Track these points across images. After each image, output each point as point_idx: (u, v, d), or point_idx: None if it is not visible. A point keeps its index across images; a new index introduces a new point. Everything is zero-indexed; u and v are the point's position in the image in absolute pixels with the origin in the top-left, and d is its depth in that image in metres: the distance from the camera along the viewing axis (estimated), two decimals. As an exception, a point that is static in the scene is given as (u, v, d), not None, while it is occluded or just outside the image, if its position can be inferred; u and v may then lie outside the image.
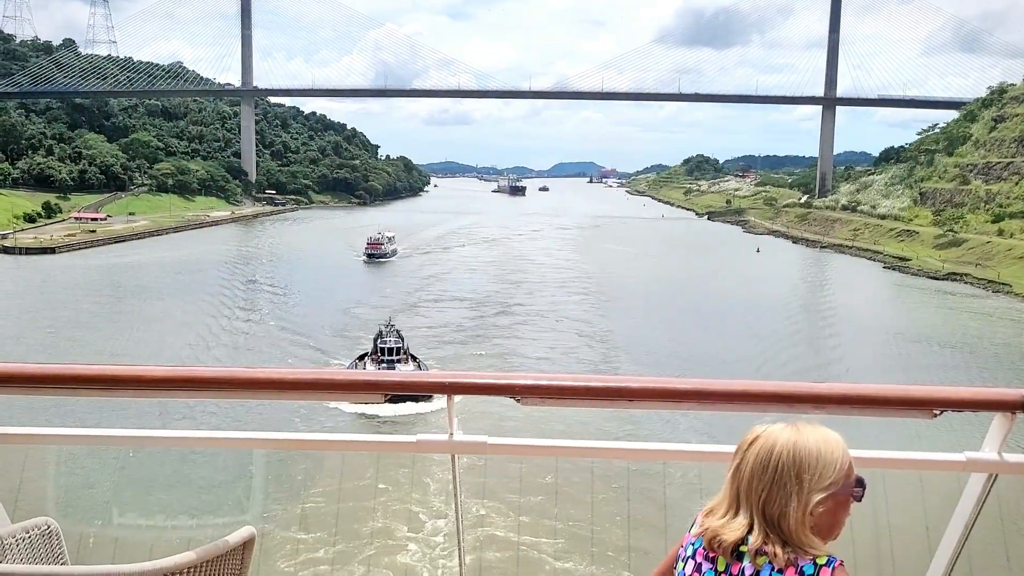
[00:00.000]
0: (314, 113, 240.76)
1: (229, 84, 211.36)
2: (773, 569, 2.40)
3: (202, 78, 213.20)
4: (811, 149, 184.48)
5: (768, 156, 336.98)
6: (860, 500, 2.51)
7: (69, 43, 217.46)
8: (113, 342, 56.87)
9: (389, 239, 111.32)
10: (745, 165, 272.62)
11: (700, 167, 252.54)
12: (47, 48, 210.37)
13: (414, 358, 51.62)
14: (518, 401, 3.55)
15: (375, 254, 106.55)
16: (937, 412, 3.47)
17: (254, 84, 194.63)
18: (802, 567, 2.38)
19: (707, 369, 51.48)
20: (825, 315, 72.74)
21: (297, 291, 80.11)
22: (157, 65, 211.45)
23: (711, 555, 2.54)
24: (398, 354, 51.16)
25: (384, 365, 48.85)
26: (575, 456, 3.95)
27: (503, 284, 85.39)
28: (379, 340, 52.45)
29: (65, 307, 68.35)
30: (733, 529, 2.46)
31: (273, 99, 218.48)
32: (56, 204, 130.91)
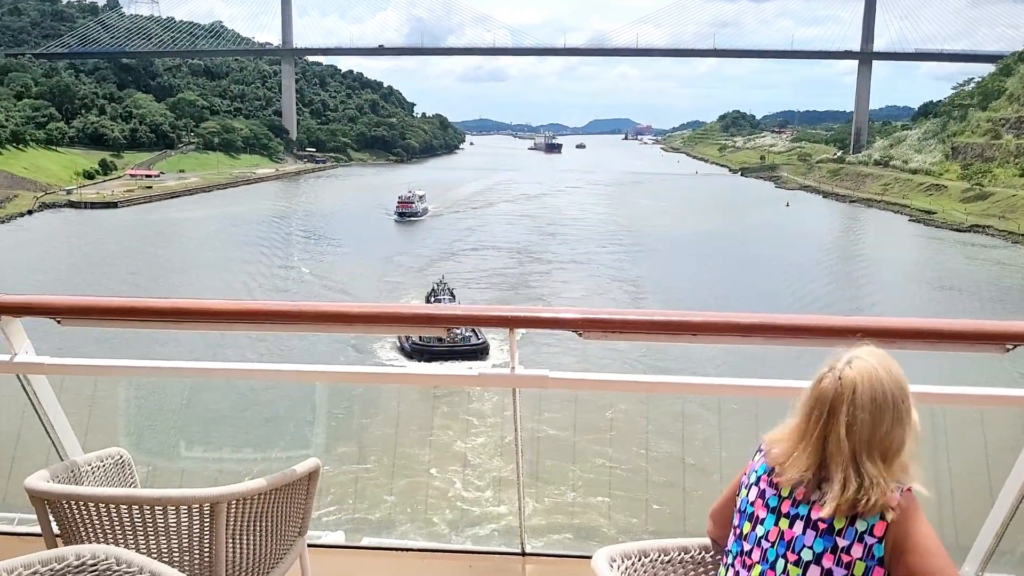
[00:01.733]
0: (351, 71, 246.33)
1: (268, 43, 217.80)
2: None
3: (241, 37, 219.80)
4: (852, 104, 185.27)
5: (808, 111, 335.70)
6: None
7: (114, 3, 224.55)
8: (186, 288, 63.75)
9: (420, 197, 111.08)
10: (783, 121, 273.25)
11: (736, 123, 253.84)
12: (92, 9, 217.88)
13: None
14: (579, 335, 3.56)
15: (406, 213, 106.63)
16: (1010, 347, 3.39)
17: (294, 43, 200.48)
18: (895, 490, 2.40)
19: (734, 307, 56.90)
20: (844, 259, 77.90)
21: (337, 246, 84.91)
22: (198, 25, 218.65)
23: (775, 481, 2.55)
24: None
25: None
26: (639, 391, 4.03)
27: (539, 235, 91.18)
28: (433, 298, 53.09)
29: (138, 255, 75.58)
30: (800, 458, 2.48)
31: (311, 58, 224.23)
32: (112, 161, 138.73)
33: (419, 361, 45.85)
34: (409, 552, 4.83)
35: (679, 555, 2.93)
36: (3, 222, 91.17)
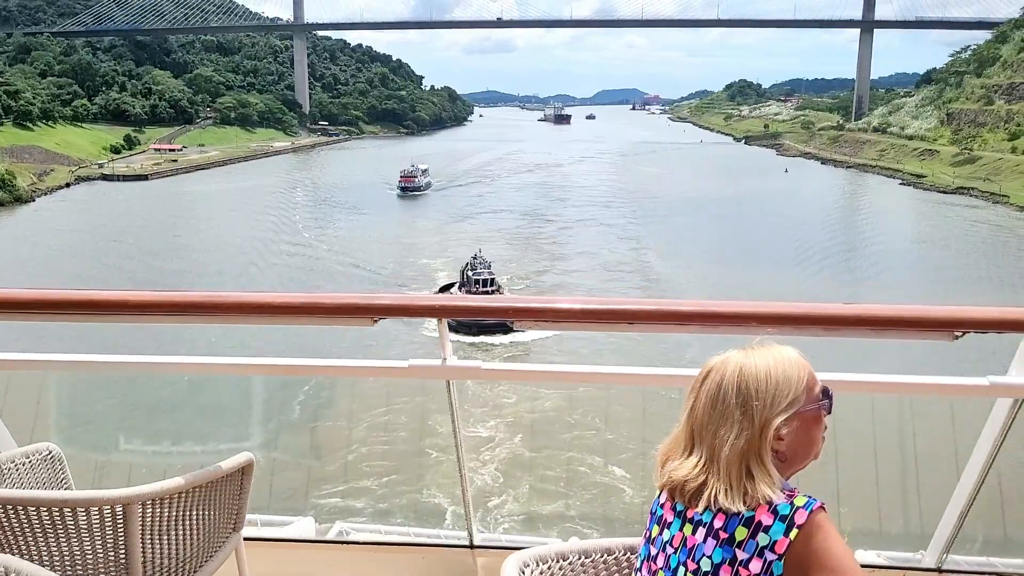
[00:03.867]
0: (360, 45, 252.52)
1: (278, 18, 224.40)
2: (737, 511, 2.22)
3: (251, 12, 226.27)
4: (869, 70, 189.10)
5: (816, 79, 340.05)
6: (830, 412, 2.39)
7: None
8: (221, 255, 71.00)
9: (423, 172, 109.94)
10: (790, 89, 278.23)
11: (743, 92, 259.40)
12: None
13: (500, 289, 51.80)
14: (511, 324, 3.88)
15: (409, 187, 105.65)
16: (959, 334, 3.31)
17: (305, 19, 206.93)
18: (776, 506, 2.19)
19: (727, 259, 64.32)
20: (831, 217, 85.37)
21: (350, 220, 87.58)
22: (208, 0, 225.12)
23: (674, 503, 2.41)
24: (492, 284, 51.36)
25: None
26: (573, 381, 4.23)
27: (548, 200, 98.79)
28: (471, 271, 52.70)
29: (166, 228, 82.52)
30: (686, 468, 2.34)
31: (321, 32, 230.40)
32: (135, 137, 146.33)
33: (463, 334, 46.18)
34: (361, 545, 4.88)
35: (602, 557, 2.84)
36: (46, 194, 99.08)
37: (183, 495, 3.35)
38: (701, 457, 2.32)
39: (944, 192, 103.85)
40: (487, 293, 49.46)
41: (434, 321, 3.90)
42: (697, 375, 2.41)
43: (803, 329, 3.43)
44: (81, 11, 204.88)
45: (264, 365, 4.57)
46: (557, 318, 3.64)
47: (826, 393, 2.37)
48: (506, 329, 46.77)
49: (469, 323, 47.10)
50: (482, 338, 46.20)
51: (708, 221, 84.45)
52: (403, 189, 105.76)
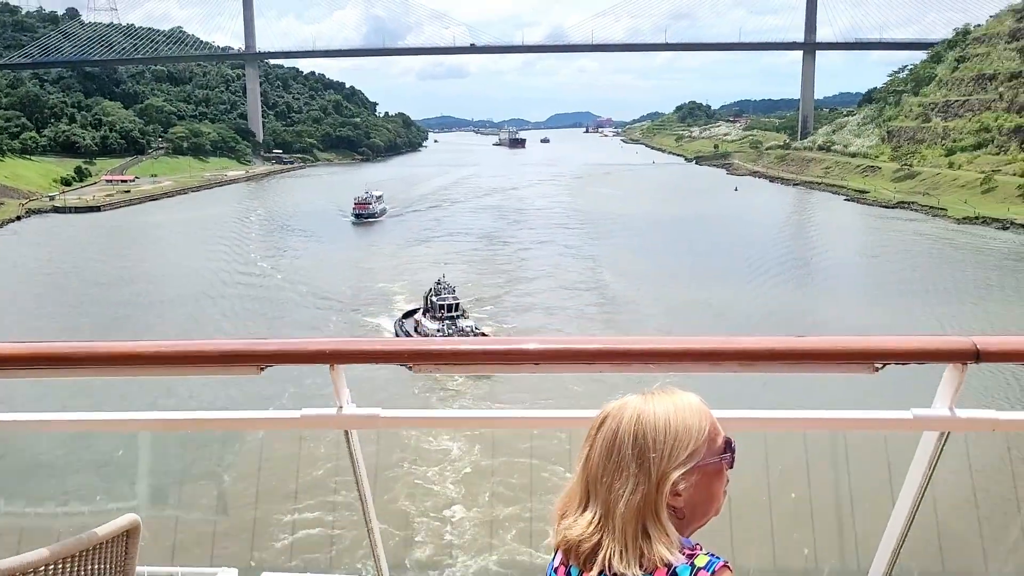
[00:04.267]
0: (313, 73, 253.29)
1: (229, 47, 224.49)
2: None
3: (202, 42, 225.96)
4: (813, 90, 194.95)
5: (763, 100, 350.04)
6: (732, 466, 2.20)
7: (73, 12, 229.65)
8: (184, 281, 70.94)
9: (377, 198, 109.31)
10: (739, 110, 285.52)
11: (692, 113, 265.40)
12: (53, 18, 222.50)
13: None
14: (410, 369, 3.38)
15: (363, 214, 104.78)
16: (879, 365, 3.21)
17: (256, 48, 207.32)
18: (675, 568, 2.03)
19: (681, 277, 66.18)
20: (777, 232, 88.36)
21: (305, 247, 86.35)
22: (158, 31, 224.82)
23: (568, 567, 2.21)
24: (457, 310, 50.85)
25: (447, 322, 49.09)
26: (477, 427, 4.97)
27: (505, 223, 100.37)
28: (435, 296, 51.77)
29: (122, 259, 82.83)
30: (580, 526, 2.15)
31: (273, 61, 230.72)
32: (86, 168, 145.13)
33: None
34: None
35: None
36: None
37: (51, 566, 3.01)
38: (596, 513, 2.14)
39: (886, 207, 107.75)
40: (452, 319, 49.52)
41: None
42: (593, 421, 2.24)
43: (718, 365, 3.34)
44: (28, 43, 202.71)
45: (145, 420, 4.24)
46: (458, 360, 3.51)
47: (729, 445, 2.20)
48: None
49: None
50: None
51: (662, 240, 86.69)
52: (357, 216, 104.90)
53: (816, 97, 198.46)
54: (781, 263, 73.24)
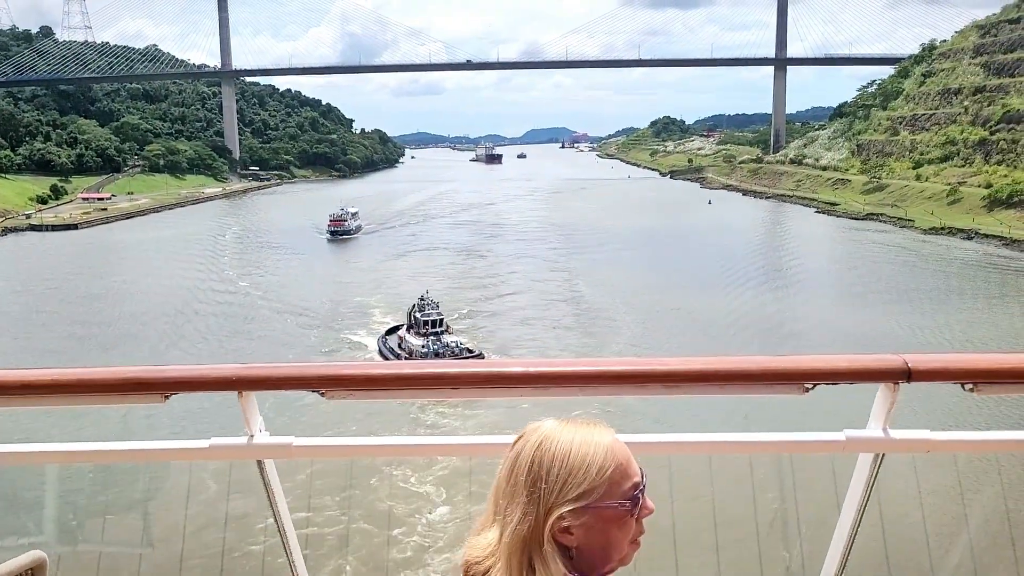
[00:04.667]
0: (289, 90, 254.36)
1: (204, 65, 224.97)
2: None
3: (177, 59, 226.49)
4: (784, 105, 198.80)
5: (737, 115, 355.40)
6: (636, 516, 2.01)
7: (47, 31, 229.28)
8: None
9: (353, 215, 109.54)
10: (713, 125, 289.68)
11: (667, 128, 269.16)
12: (27, 37, 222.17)
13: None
14: (322, 395, 3.27)
15: (339, 231, 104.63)
16: (809, 386, 3.15)
17: (232, 65, 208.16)
18: None
19: (656, 286, 67.76)
20: (749, 241, 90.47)
21: (282, 263, 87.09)
22: (133, 49, 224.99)
23: None
24: (442, 325, 50.61)
25: (432, 338, 48.94)
26: (392, 455, 3.98)
27: (482, 237, 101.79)
28: (419, 312, 51.52)
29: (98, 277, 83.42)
30: (479, 547, 2.07)
31: (249, 78, 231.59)
32: (62, 187, 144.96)
33: None
34: None
35: None
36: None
37: None
38: (494, 535, 2.06)
39: (856, 219, 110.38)
40: (436, 334, 49.25)
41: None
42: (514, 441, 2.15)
43: (642, 387, 3.26)
44: (1, 62, 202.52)
45: (45, 452, 3.97)
46: (371, 386, 3.33)
47: (636, 497, 2.01)
48: None
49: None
50: None
51: (636, 251, 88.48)
52: (332, 233, 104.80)
53: (789, 111, 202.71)
54: (752, 272, 75.14)
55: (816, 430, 3.42)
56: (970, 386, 3.12)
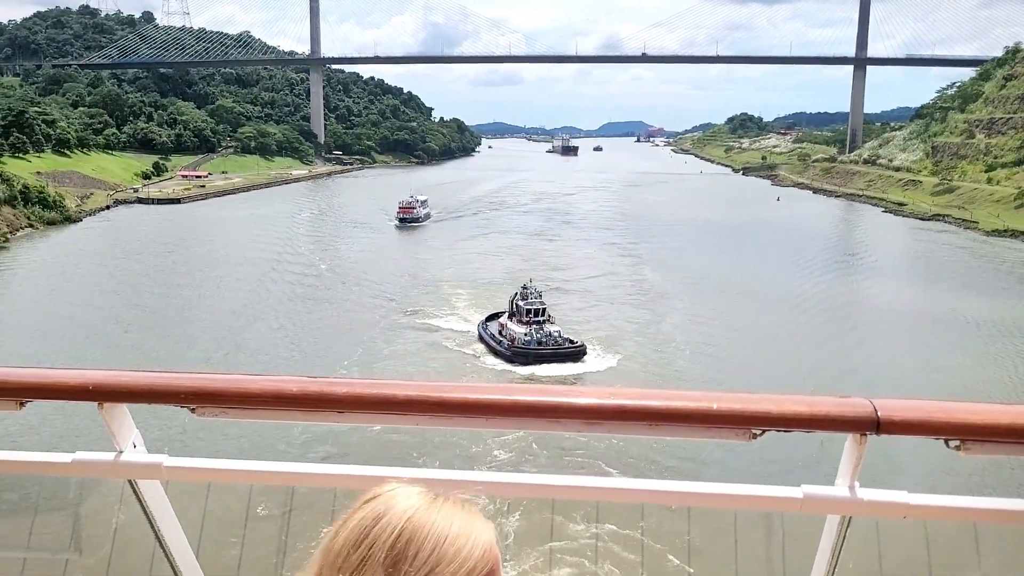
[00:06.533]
0: (372, 78, 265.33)
1: (294, 52, 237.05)
2: None
3: (268, 46, 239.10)
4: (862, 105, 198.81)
5: (819, 113, 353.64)
6: None
7: (149, 16, 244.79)
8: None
9: (421, 203, 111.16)
10: (792, 123, 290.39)
11: (744, 125, 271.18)
12: (130, 21, 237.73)
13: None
14: (192, 411, 2.97)
15: (407, 218, 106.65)
16: (757, 432, 2.73)
17: (322, 53, 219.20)
18: None
19: (709, 273, 73.70)
20: (808, 237, 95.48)
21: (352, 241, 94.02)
22: (228, 35, 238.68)
23: None
24: (544, 315, 50.99)
25: (535, 327, 49.68)
26: (275, 482, 3.28)
27: (555, 223, 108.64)
28: (522, 300, 52.06)
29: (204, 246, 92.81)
30: None
31: (335, 66, 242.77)
32: (163, 164, 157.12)
33: (522, 364, 47.09)
34: None
35: None
36: (92, 214, 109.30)
37: None
38: None
39: (922, 219, 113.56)
40: (539, 323, 49.99)
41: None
42: (367, 493, 1.82)
43: (557, 423, 2.82)
44: (107, 44, 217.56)
45: None
46: (246, 403, 2.95)
47: None
48: (565, 356, 47.47)
49: (524, 352, 47.79)
50: (542, 367, 46.51)
51: (700, 240, 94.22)
52: (401, 220, 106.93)
53: (874, 111, 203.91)
54: (812, 261, 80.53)
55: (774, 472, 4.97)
56: (955, 443, 2.63)
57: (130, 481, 3.23)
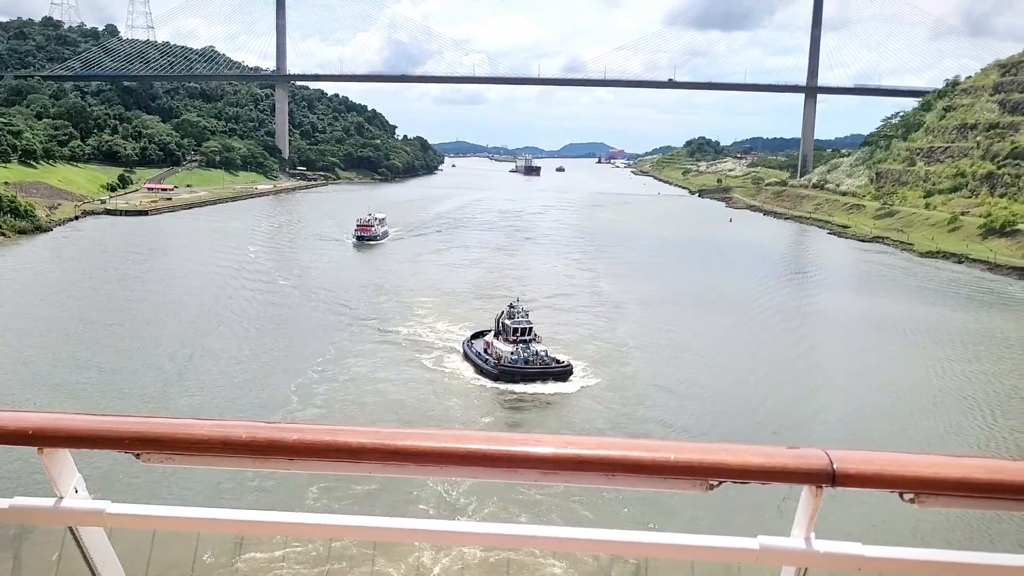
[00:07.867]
0: (336, 95, 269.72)
1: (258, 67, 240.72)
2: None
3: (232, 61, 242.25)
4: (817, 132, 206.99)
5: (775, 138, 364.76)
6: None
7: (112, 29, 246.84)
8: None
9: (379, 221, 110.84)
10: (748, 147, 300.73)
11: (702, 148, 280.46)
12: (94, 34, 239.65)
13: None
14: (137, 457, 2.90)
15: (365, 236, 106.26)
16: (714, 483, 2.77)
17: (287, 70, 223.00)
18: None
19: (667, 283, 79.38)
20: (755, 251, 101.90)
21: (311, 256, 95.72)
22: (192, 49, 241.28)
23: None
24: (530, 334, 50.76)
25: (521, 345, 49.52)
26: (226, 530, 3.17)
27: (516, 240, 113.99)
28: (508, 319, 51.88)
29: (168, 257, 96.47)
30: None
31: (300, 82, 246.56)
32: (128, 176, 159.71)
33: (507, 383, 46.83)
34: None
35: None
36: (60, 225, 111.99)
37: None
38: None
39: (863, 240, 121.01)
40: (525, 342, 50.03)
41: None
42: None
43: (513, 472, 2.85)
44: (70, 56, 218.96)
45: None
46: (192, 449, 2.89)
47: None
48: (552, 375, 47.54)
49: (511, 371, 47.59)
50: (530, 387, 46.64)
51: (654, 255, 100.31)
52: (359, 238, 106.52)
53: (828, 137, 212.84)
54: (756, 272, 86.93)
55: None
56: (910, 496, 2.73)
57: (71, 528, 3.16)
